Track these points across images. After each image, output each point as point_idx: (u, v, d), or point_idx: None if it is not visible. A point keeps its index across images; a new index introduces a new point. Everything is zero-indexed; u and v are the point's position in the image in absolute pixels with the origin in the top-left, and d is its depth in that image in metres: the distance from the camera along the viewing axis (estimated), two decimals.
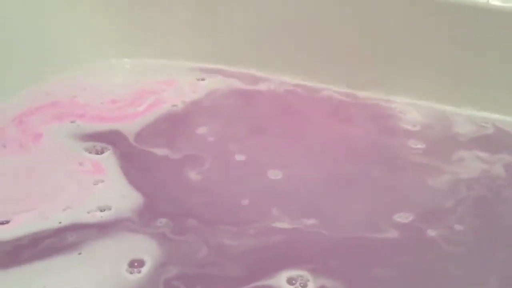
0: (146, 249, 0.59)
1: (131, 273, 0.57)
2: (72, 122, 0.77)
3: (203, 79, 0.86)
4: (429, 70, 0.80)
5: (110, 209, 0.64)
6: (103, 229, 0.61)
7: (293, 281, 0.57)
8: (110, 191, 0.66)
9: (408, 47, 0.80)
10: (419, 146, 0.75)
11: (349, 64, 0.83)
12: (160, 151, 0.72)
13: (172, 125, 0.77)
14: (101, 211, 0.63)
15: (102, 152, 0.72)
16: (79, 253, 0.59)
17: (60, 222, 0.62)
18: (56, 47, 0.83)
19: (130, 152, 0.72)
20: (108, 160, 0.71)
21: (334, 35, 0.83)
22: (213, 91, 0.84)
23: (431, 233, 0.63)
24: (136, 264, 0.58)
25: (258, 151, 0.73)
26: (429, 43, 0.79)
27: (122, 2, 0.86)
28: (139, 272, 0.57)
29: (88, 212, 0.63)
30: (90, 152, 0.72)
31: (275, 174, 0.69)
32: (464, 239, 0.62)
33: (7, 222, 0.61)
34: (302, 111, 0.81)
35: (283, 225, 0.63)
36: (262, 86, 0.85)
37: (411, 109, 0.81)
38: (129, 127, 0.76)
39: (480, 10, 0.75)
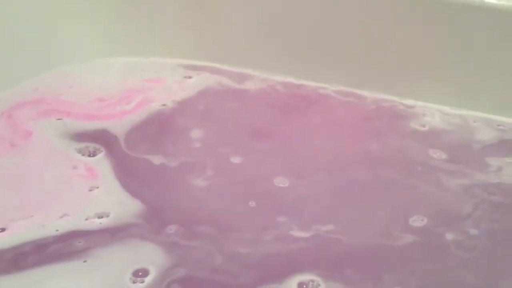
0: (155, 257, 0.59)
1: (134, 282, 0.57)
2: (58, 119, 0.75)
3: (190, 77, 0.85)
4: (438, 72, 0.80)
5: (108, 216, 0.63)
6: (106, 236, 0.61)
7: (304, 286, 0.57)
8: (106, 198, 0.65)
9: (409, 47, 0.80)
10: (433, 149, 0.75)
11: (344, 63, 0.83)
12: (155, 158, 0.71)
13: (164, 127, 0.77)
14: (99, 217, 0.62)
15: (94, 155, 0.71)
16: (84, 261, 0.58)
17: (57, 230, 0.61)
18: (43, 45, 0.82)
19: (122, 157, 0.71)
20: (101, 164, 0.70)
21: (329, 34, 0.83)
22: (203, 90, 0.83)
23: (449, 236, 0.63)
24: (140, 273, 0.57)
25: (261, 156, 0.72)
26: (430, 43, 0.79)
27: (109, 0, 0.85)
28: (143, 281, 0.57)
29: (86, 219, 0.62)
30: (83, 154, 0.71)
31: (282, 182, 0.69)
32: None
33: (3, 230, 0.60)
34: (300, 112, 0.80)
35: (296, 232, 0.63)
36: (251, 85, 0.85)
37: (418, 110, 0.81)
38: (118, 126, 0.75)
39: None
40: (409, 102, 0.81)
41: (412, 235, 0.63)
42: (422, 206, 0.67)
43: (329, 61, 0.83)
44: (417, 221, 0.65)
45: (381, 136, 0.76)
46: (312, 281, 0.57)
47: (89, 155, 0.71)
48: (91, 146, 0.72)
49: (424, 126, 0.78)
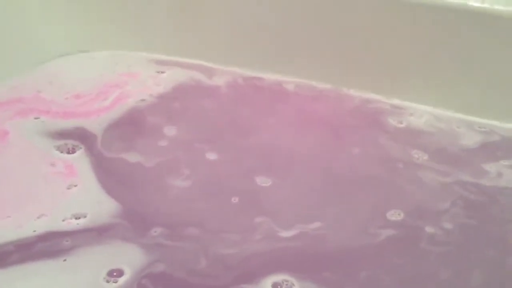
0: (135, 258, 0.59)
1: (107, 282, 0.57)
2: (36, 118, 0.75)
3: (163, 72, 0.85)
4: (421, 72, 0.80)
5: (85, 216, 0.63)
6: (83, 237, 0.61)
7: (278, 286, 0.57)
8: (84, 197, 0.65)
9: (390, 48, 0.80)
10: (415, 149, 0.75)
11: (328, 60, 0.83)
12: (132, 156, 0.71)
13: (142, 124, 0.76)
14: (76, 218, 0.63)
15: (73, 151, 0.71)
16: (64, 260, 0.58)
17: (34, 231, 0.61)
18: (18, 43, 0.82)
19: (101, 155, 0.71)
20: (80, 161, 0.70)
21: (313, 31, 0.83)
22: (177, 85, 0.83)
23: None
24: (115, 274, 0.58)
25: (240, 154, 0.72)
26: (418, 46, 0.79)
27: None
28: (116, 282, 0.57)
29: (63, 220, 0.62)
30: (61, 152, 0.70)
31: (264, 181, 0.69)
32: None
33: None
34: (275, 107, 0.80)
35: (273, 232, 0.63)
36: (225, 80, 0.84)
37: (403, 110, 0.81)
38: (96, 124, 0.75)
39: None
40: (395, 102, 0.82)
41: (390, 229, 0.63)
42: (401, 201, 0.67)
43: (309, 57, 0.83)
44: (394, 215, 0.65)
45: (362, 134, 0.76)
46: (286, 280, 0.58)
47: (68, 152, 0.71)
48: (70, 143, 0.72)
49: (402, 123, 0.79)
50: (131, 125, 0.76)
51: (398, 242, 0.62)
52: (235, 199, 0.66)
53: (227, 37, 0.85)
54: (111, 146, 0.72)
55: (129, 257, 0.59)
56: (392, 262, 0.60)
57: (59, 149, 0.71)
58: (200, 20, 0.85)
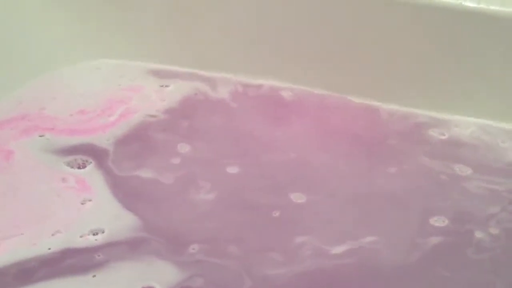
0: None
1: None
2: (41, 136, 0.71)
3: (167, 86, 0.82)
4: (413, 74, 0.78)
5: (103, 232, 0.59)
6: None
7: None
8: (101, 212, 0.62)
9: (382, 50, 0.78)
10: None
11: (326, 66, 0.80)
12: (146, 172, 0.67)
13: (152, 140, 0.73)
14: (94, 234, 0.59)
15: (84, 166, 0.67)
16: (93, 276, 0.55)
17: (49, 248, 0.57)
18: (19, 53, 0.79)
19: (113, 170, 0.67)
20: (92, 175, 0.66)
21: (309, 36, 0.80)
22: (184, 99, 0.80)
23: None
24: None
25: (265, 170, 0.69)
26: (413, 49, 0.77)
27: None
28: None
29: (81, 237, 0.58)
30: (71, 167, 0.67)
31: (298, 197, 0.65)
32: None
33: None
34: (295, 119, 0.77)
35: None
36: (232, 90, 0.81)
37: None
38: (104, 139, 0.71)
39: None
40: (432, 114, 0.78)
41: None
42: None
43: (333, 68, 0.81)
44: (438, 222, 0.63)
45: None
46: None
47: (79, 167, 0.67)
48: (80, 158, 0.68)
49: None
50: (141, 141, 0.72)
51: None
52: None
53: (228, 44, 0.83)
54: (123, 162, 0.69)
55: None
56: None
57: (69, 164, 0.67)
58: (200, 28, 0.82)
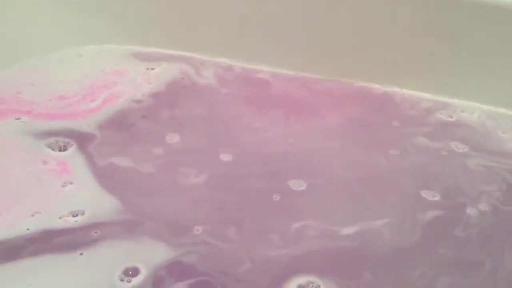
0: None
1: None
2: (17, 119, 0.69)
3: (153, 68, 0.80)
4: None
5: (83, 214, 0.58)
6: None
7: None
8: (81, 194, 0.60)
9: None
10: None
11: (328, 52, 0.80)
12: (131, 157, 0.66)
13: (136, 126, 0.71)
14: (73, 216, 0.57)
15: (65, 149, 0.65)
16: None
17: (28, 229, 0.55)
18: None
19: (96, 154, 0.66)
20: (74, 158, 0.64)
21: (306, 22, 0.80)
22: (171, 82, 0.78)
23: None
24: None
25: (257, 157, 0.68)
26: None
27: None
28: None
29: (60, 218, 0.57)
30: (53, 149, 0.65)
31: (298, 184, 0.65)
32: None
33: None
34: (285, 103, 0.77)
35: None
36: (210, 74, 0.80)
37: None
38: (84, 124, 0.70)
39: None
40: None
41: None
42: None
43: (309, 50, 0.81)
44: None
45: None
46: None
47: (60, 150, 0.65)
48: (61, 140, 0.67)
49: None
50: (125, 126, 0.71)
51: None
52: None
53: (215, 27, 0.82)
54: (106, 146, 0.67)
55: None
56: None
57: (50, 146, 0.65)
58: (188, 10, 0.81)
